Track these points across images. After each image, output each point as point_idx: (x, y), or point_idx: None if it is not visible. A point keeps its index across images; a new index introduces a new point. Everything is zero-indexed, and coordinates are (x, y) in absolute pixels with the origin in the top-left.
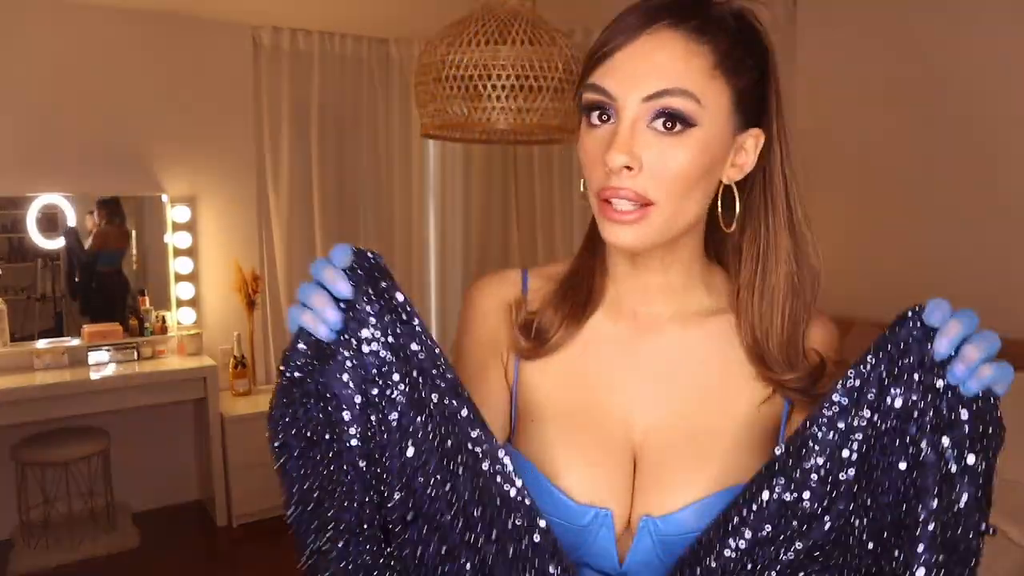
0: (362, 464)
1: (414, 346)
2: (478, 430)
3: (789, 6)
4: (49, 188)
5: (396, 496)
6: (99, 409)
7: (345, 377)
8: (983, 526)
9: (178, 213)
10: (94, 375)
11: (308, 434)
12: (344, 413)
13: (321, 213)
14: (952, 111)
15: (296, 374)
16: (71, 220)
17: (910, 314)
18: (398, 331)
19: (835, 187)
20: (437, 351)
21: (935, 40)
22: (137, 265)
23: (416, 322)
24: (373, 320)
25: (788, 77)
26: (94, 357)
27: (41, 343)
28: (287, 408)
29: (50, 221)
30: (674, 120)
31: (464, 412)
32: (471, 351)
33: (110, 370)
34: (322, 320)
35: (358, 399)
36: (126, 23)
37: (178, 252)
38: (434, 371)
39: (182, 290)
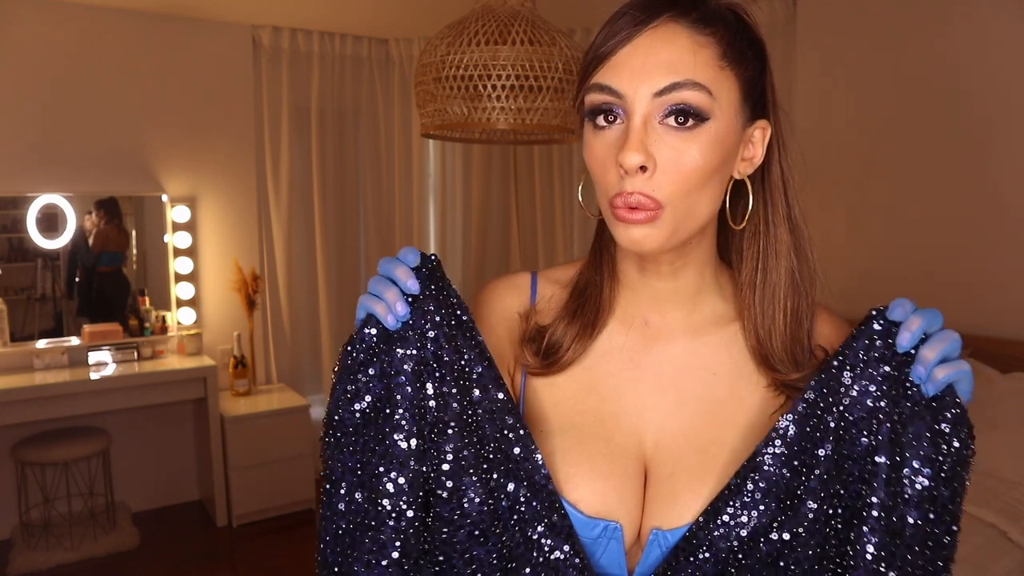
0: (413, 442)
1: (464, 343)
2: (514, 419)
3: (789, 6)
4: (49, 188)
5: (442, 476)
6: (99, 409)
7: (408, 364)
8: (947, 518)
9: (178, 213)
10: (94, 375)
11: (366, 409)
12: (407, 388)
13: (321, 213)
14: (952, 111)
15: (361, 356)
16: (71, 220)
17: (874, 313)
18: (454, 330)
19: (834, 186)
20: (486, 347)
21: (935, 40)
22: (137, 265)
23: (468, 320)
24: (435, 316)
25: (788, 77)
26: (94, 357)
27: (41, 343)
28: (349, 384)
29: (50, 221)
30: (687, 115)
31: (502, 398)
32: None
33: (110, 370)
34: (391, 312)
35: (417, 384)
36: (126, 23)
37: (178, 252)
38: (479, 367)
39: (182, 290)
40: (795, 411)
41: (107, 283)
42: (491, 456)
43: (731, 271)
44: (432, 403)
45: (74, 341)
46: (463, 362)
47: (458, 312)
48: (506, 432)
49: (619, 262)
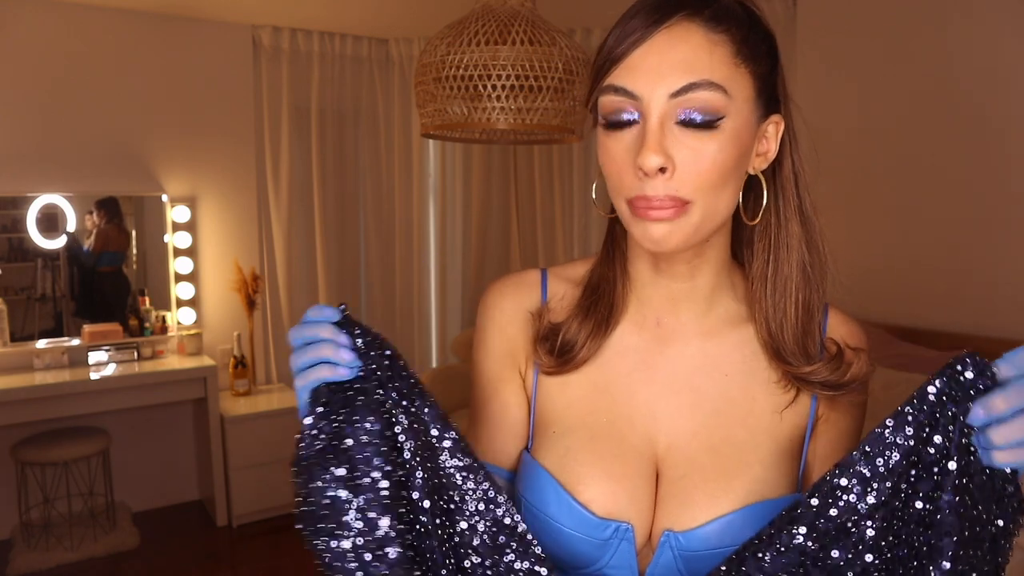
0: (393, 489)
1: (406, 382)
2: (460, 457)
3: (789, 6)
4: (49, 188)
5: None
6: (99, 409)
7: (371, 413)
8: None
9: (178, 213)
10: (94, 375)
11: (344, 473)
12: (378, 443)
13: (321, 213)
14: (953, 110)
15: (320, 444)
16: (71, 220)
17: (959, 368)
18: (388, 369)
19: (834, 186)
20: (417, 385)
21: (935, 38)
22: (137, 265)
23: (400, 360)
24: (371, 361)
25: (788, 77)
26: (94, 357)
27: (41, 343)
28: (320, 474)
29: (50, 221)
30: (704, 114)
31: (454, 436)
32: (487, 363)
33: (110, 370)
34: (340, 363)
35: (385, 431)
36: (126, 23)
37: (178, 252)
38: (419, 402)
39: (182, 290)
40: (849, 464)
41: (107, 283)
42: (443, 504)
43: (743, 270)
44: (398, 449)
45: (74, 341)
46: (406, 403)
47: (388, 351)
48: (448, 467)
49: (632, 261)
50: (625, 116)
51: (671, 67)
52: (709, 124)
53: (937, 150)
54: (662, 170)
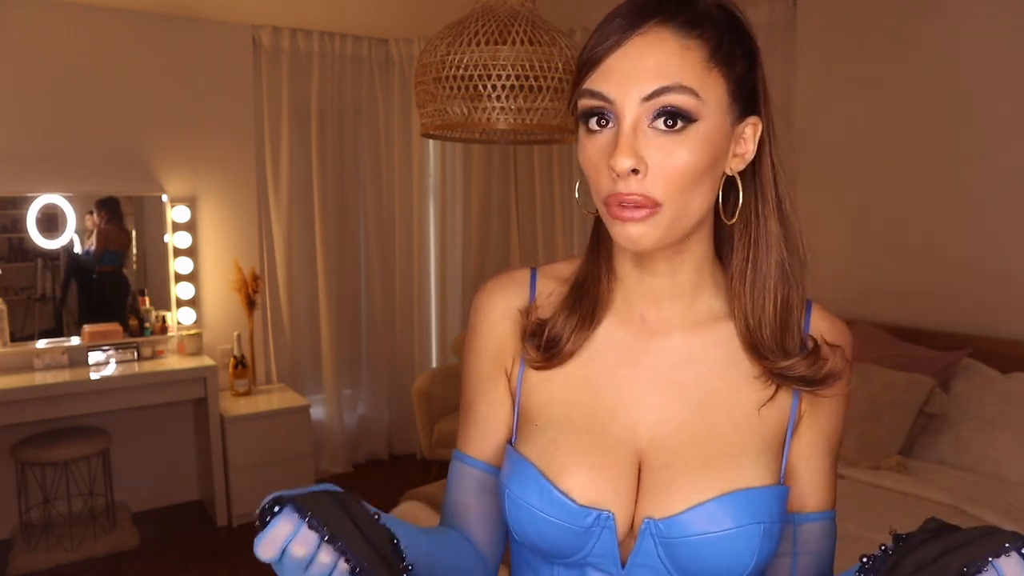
0: None
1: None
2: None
3: (789, 6)
4: (49, 188)
5: None
6: (99, 409)
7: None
8: None
9: (178, 213)
10: (94, 375)
11: None
12: None
13: (321, 213)
14: (953, 110)
15: None
16: (71, 220)
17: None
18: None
19: (833, 185)
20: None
21: (935, 39)
22: (137, 265)
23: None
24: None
25: (788, 77)
26: (94, 357)
27: (41, 343)
28: None
29: (50, 221)
30: (675, 117)
31: None
32: (476, 362)
33: (110, 370)
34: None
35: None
36: (126, 23)
37: (178, 252)
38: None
39: (182, 290)
40: None
41: (107, 283)
42: None
43: (723, 267)
44: None
45: (74, 341)
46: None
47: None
48: None
49: (616, 258)
50: (601, 118)
51: (643, 72)
52: (680, 127)
53: (937, 150)
54: (635, 171)
